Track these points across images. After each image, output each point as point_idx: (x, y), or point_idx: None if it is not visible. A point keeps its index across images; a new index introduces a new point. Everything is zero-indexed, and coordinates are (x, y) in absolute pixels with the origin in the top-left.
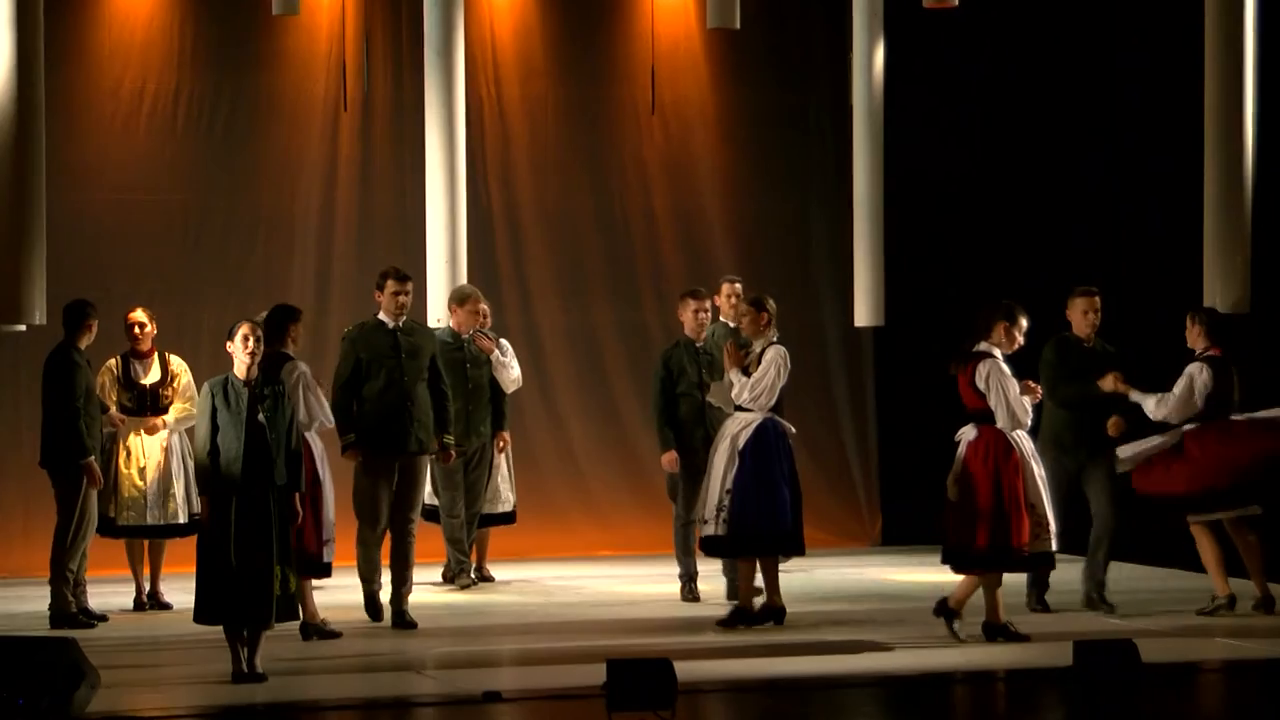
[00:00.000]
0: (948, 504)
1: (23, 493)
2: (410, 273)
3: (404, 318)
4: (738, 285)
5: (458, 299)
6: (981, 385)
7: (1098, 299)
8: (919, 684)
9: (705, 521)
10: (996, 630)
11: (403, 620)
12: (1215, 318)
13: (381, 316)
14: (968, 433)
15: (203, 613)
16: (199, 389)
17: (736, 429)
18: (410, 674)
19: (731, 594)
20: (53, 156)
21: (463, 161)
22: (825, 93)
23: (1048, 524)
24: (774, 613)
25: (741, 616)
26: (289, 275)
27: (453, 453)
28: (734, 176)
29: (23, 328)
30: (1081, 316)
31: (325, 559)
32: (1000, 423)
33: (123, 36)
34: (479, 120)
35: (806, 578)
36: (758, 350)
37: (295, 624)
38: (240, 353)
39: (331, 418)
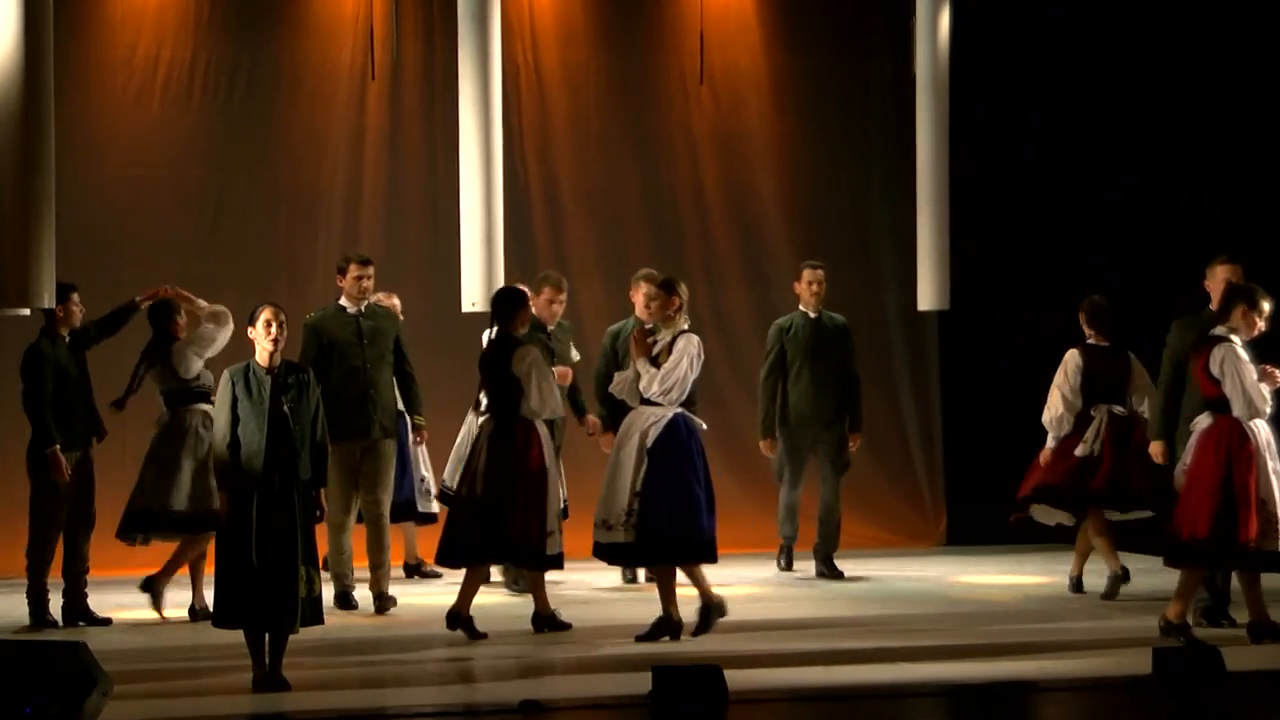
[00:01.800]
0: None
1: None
2: (447, 251)
3: (366, 302)
4: (820, 271)
5: (533, 288)
6: (1216, 371)
7: (1238, 266)
8: (987, 694)
9: (610, 526)
10: (1265, 631)
11: (383, 603)
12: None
13: (343, 302)
14: (1202, 420)
15: (222, 616)
16: (217, 378)
17: (645, 425)
18: (446, 681)
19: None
20: (62, 130)
21: (499, 134)
22: (887, 60)
23: (1278, 522)
24: (671, 626)
25: (666, 627)
26: (313, 256)
27: (424, 434)
28: (788, 150)
29: (26, 312)
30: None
31: (551, 550)
32: (1236, 410)
33: (135, 1)
34: (516, 90)
35: (866, 579)
36: (667, 339)
37: (319, 628)
38: (262, 339)
39: (562, 406)
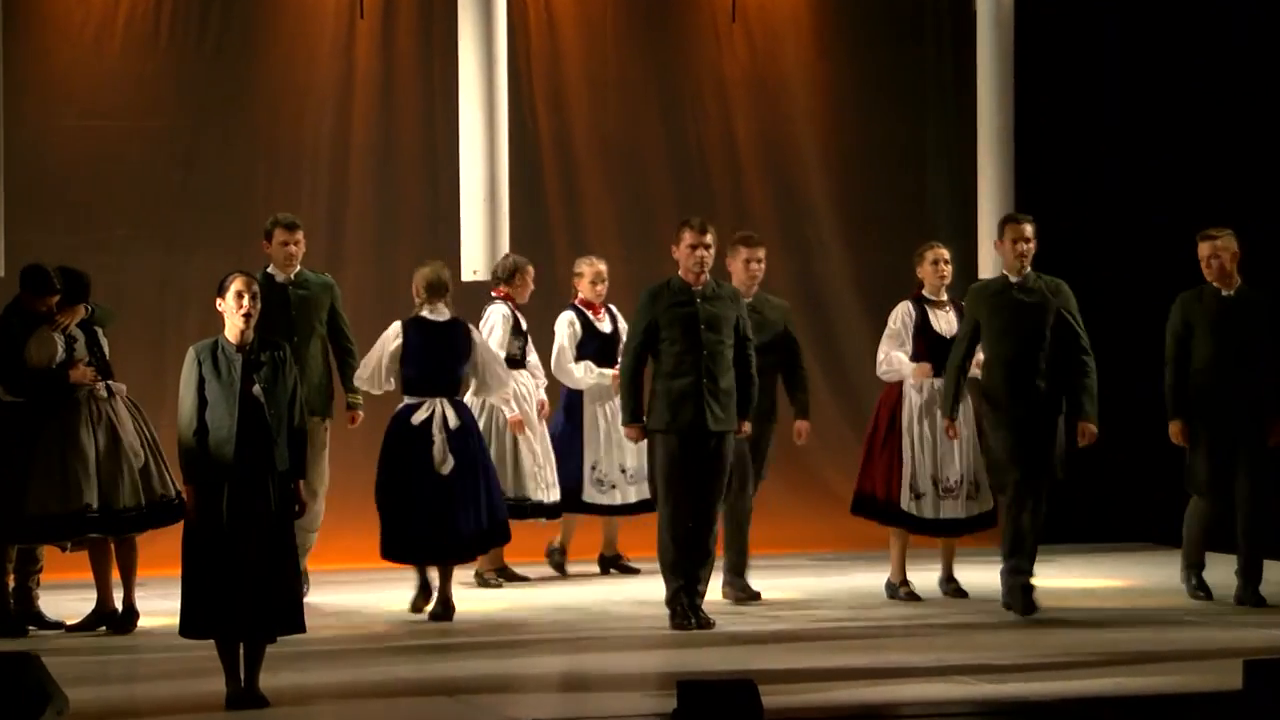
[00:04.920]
0: None
1: None
2: (446, 213)
3: (295, 270)
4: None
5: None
6: None
7: (1221, 240)
8: (1058, 712)
9: None
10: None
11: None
12: None
13: (270, 270)
14: None
15: (190, 624)
16: (184, 354)
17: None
18: (439, 698)
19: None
20: (10, 76)
21: (504, 80)
22: None
23: None
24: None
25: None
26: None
27: (359, 413)
28: (832, 97)
29: None
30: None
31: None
32: None
33: None
34: (523, 29)
35: (933, 581)
36: None
37: (300, 636)
38: (233, 312)
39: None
